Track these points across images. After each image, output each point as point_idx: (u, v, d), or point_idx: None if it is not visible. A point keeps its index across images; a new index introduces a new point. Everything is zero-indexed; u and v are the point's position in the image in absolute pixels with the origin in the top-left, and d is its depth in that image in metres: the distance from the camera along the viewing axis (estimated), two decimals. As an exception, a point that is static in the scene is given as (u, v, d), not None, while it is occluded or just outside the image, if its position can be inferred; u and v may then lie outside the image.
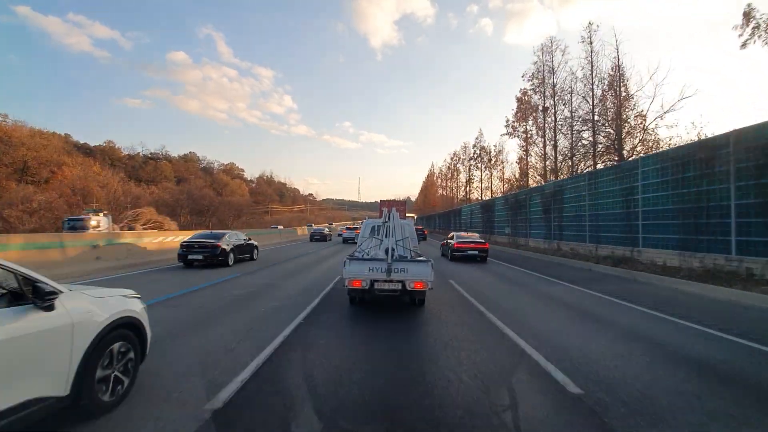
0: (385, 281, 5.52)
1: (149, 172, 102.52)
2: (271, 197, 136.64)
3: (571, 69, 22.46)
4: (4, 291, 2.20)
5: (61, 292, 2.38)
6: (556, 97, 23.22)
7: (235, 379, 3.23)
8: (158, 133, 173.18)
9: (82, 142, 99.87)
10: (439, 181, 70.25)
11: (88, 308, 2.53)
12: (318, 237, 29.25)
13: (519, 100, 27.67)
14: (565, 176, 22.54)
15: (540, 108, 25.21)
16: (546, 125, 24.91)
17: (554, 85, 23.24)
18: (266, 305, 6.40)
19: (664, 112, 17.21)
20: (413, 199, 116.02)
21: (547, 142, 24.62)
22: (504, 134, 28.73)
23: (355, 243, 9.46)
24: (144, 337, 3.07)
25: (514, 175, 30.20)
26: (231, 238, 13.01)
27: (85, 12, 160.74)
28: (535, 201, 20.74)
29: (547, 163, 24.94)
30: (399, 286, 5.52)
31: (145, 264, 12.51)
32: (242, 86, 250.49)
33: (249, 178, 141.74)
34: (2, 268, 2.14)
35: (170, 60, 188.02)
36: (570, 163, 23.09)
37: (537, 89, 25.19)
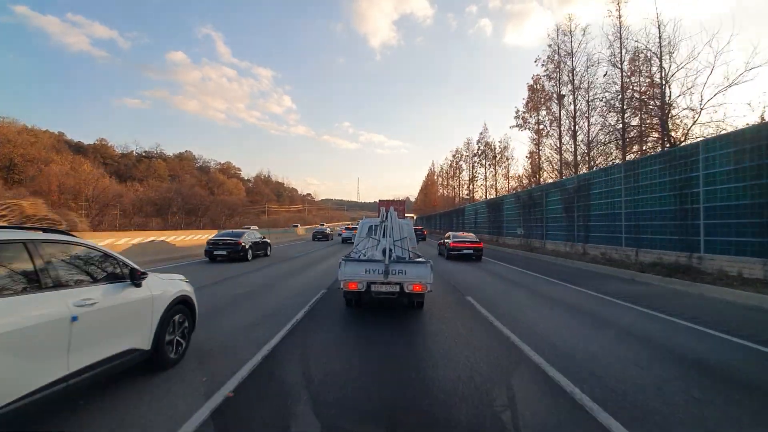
0: (383, 283, 5.35)
1: (142, 171, 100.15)
2: (268, 197, 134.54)
3: (590, 53, 20.19)
4: (107, 272, 3.04)
5: (147, 274, 3.34)
6: (575, 82, 20.79)
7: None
8: (157, 134, 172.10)
9: (76, 140, 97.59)
10: (440, 179, 67.92)
11: (161, 287, 3.52)
12: (320, 237, 31.08)
13: (531, 88, 25.30)
14: (586, 170, 20.14)
15: (555, 95, 22.81)
16: (562, 114, 22.55)
17: (573, 69, 20.84)
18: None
19: (729, 85, 13.78)
20: (412, 199, 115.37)
21: (564, 133, 22.25)
22: (513, 126, 26.38)
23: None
24: (194, 311, 4.02)
25: (526, 170, 27.78)
26: (249, 237, 14.35)
27: (83, 12, 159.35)
28: (554, 198, 18.33)
29: (565, 155, 22.56)
30: (397, 289, 5.36)
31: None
32: (241, 86, 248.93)
33: (246, 178, 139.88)
34: (108, 255, 3.12)
35: (169, 60, 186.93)
36: (589, 156, 20.70)
37: (552, 75, 22.81)
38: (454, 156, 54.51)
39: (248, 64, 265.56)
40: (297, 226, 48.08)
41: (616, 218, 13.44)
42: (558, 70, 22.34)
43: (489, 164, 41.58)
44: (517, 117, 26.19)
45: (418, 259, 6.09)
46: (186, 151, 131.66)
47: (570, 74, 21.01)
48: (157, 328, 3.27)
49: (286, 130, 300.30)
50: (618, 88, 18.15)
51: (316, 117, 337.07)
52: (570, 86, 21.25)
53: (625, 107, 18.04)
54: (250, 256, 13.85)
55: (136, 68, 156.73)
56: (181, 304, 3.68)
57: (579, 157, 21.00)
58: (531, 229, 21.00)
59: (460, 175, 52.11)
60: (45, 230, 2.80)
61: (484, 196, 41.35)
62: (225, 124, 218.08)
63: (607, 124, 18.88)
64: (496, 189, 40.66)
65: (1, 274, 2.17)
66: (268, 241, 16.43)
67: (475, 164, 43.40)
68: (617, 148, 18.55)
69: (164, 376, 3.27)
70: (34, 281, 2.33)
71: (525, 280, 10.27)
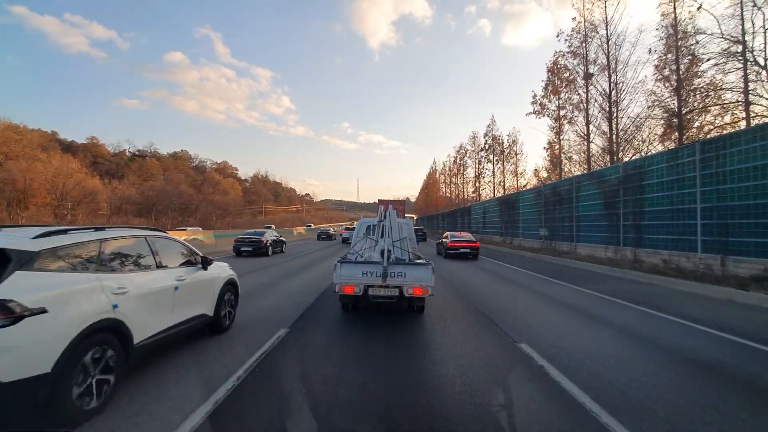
0: (381, 286, 5.10)
1: (134, 170, 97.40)
2: (266, 197, 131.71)
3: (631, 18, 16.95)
4: (187, 259, 4.25)
5: (212, 261, 4.70)
6: (611, 55, 17.55)
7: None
8: (157, 135, 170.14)
9: (70, 139, 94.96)
10: (443, 178, 64.65)
11: (218, 271, 4.80)
12: (324, 236, 34.00)
13: (550, 69, 22.10)
14: (622, 159, 16.94)
15: (581, 74, 19.64)
16: (591, 96, 19.36)
17: (608, 39, 17.61)
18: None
19: None
20: (412, 199, 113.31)
21: (599, 117, 19.01)
22: (530, 113, 23.21)
23: None
24: (238, 291, 5.30)
25: (546, 162, 24.52)
26: (269, 236, 16.78)
27: (81, 12, 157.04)
28: (588, 192, 15.14)
29: (595, 142, 19.36)
30: (396, 292, 5.09)
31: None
32: (240, 87, 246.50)
33: (243, 178, 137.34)
34: (187, 247, 4.41)
35: (168, 60, 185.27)
36: (621, 143, 17.52)
37: (577, 51, 19.63)
38: (458, 152, 51.33)
39: (247, 64, 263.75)
40: (271, 227, 45.45)
41: (685, 215, 10.25)
42: (585, 44, 19.17)
43: (497, 160, 38.40)
44: (534, 102, 23.05)
45: (418, 261, 5.79)
46: (182, 150, 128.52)
47: (604, 46, 17.79)
48: (216, 300, 4.60)
49: (285, 131, 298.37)
50: (672, 56, 14.95)
51: (315, 117, 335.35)
52: (604, 59, 18.01)
53: (682, 75, 14.80)
54: (270, 252, 16.31)
55: (134, 69, 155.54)
56: (230, 285, 5.04)
57: (615, 144, 17.77)
58: (556, 230, 17.80)
59: (465, 173, 48.96)
60: (151, 229, 4.17)
61: (492, 194, 38.26)
62: (224, 124, 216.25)
63: (653, 102, 15.66)
64: (504, 186, 37.56)
65: (136, 257, 3.45)
66: (284, 239, 19.12)
67: (482, 160, 40.24)
68: (668, 128, 15.34)
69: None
70: (151, 262, 3.61)
71: (575, 300, 7.08)
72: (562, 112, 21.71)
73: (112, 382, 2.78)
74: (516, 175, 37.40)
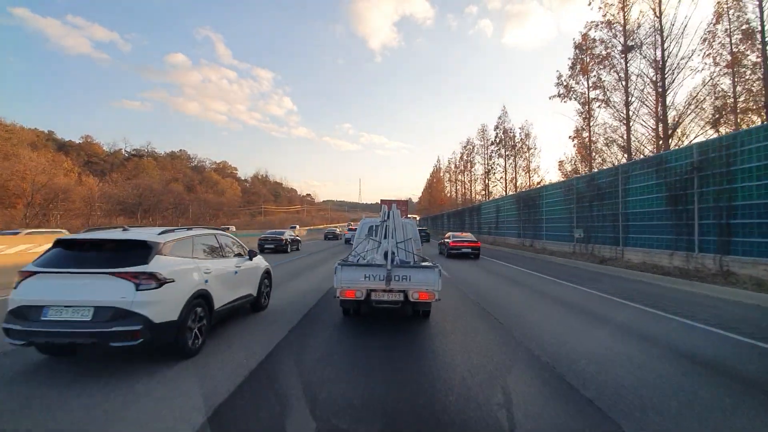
0: (384, 291, 4.83)
1: (130, 170, 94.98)
2: (265, 197, 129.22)
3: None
4: (237, 251, 5.40)
5: (257, 253, 5.90)
6: (662, 22, 14.44)
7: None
8: (157, 136, 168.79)
9: (66, 139, 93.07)
10: (448, 176, 61.51)
11: (259, 262, 5.99)
12: (331, 236, 37.24)
13: (578, 46, 19.09)
14: (675, 146, 13.90)
15: (619, 48, 16.60)
16: (629, 73, 16.31)
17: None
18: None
19: None
20: (415, 200, 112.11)
21: (638, 96, 15.98)
22: (554, 96, 20.20)
23: None
24: (271, 279, 6.55)
25: (574, 150, 21.40)
26: (288, 235, 20.40)
27: (83, 14, 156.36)
28: (642, 184, 12.12)
29: (639, 126, 16.31)
30: (400, 297, 4.82)
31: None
32: (241, 88, 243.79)
33: (243, 178, 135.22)
34: (237, 242, 5.64)
35: (169, 62, 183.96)
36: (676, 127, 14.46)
37: (613, 20, 16.59)
38: (465, 147, 48.12)
39: (248, 65, 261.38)
40: (295, 227, 48.72)
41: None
42: (623, 10, 16.13)
43: (509, 155, 35.32)
44: (558, 84, 20.03)
45: (424, 263, 5.53)
46: (180, 150, 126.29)
47: (655, 9, 14.68)
48: (259, 285, 5.86)
49: (287, 132, 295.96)
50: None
51: (317, 118, 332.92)
52: (649, 28, 14.95)
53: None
54: (288, 249, 19.22)
55: (136, 70, 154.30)
56: (266, 273, 6.24)
57: (667, 127, 14.70)
58: (593, 231, 14.77)
59: (473, 170, 45.83)
60: (216, 228, 5.55)
61: (504, 192, 35.25)
62: (226, 126, 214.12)
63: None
64: (515, 184, 34.51)
65: (212, 248, 4.70)
66: (299, 238, 22.55)
67: (493, 155, 37.12)
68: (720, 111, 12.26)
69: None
70: (220, 252, 4.88)
71: (676, 337, 4.08)
72: (592, 94, 18.67)
73: (204, 333, 4.09)
74: (528, 171, 34.38)
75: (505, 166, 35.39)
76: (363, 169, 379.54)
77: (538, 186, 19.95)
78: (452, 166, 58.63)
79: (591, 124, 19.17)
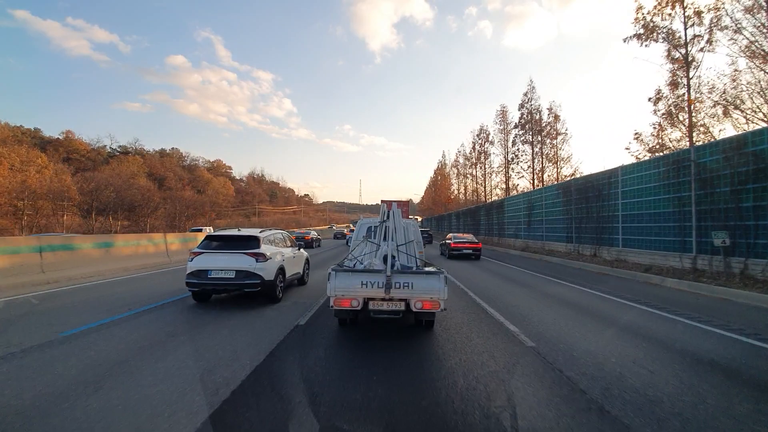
0: (384, 300, 4.31)
1: (113, 168, 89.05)
2: (261, 197, 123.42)
3: None
4: (292, 244, 8.69)
5: (302, 246, 11.58)
6: None
7: None
8: (158, 138, 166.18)
9: (50, 135, 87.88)
10: (455, 171, 55.08)
11: (303, 252, 9.30)
12: (340, 236, 43.18)
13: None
14: None
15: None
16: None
17: None
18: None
19: None
20: (416, 201, 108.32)
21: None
22: (630, 37, 14.10)
23: None
24: (309, 264, 9.67)
25: (660, 114, 14.94)
26: (313, 234, 27.70)
27: (84, 16, 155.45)
28: None
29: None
30: (401, 306, 4.33)
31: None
32: (242, 90, 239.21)
33: (238, 177, 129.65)
34: (291, 237, 9.08)
35: (169, 63, 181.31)
36: None
37: None
38: (477, 136, 41.80)
39: (248, 67, 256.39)
40: (309, 232, 49.73)
41: None
42: None
43: (537, 141, 29.13)
44: (636, 20, 13.90)
45: (427, 269, 4.93)
46: (172, 148, 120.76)
47: None
48: (303, 267, 8.78)
49: (287, 134, 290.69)
50: None
51: (317, 120, 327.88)
52: None
53: None
54: (314, 245, 25.96)
55: (136, 72, 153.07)
56: (307, 260, 9.25)
57: None
58: (735, 234, 8.58)
59: (487, 162, 39.62)
60: (283, 230, 9.18)
61: (531, 185, 29.16)
62: (226, 127, 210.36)
63: None
64: (542, 178, 28.39)
65: (279, 242, 7.80)
66: (320, 237, 30.97)
67: (516, 140, 30.88)
68: None
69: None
70: (286, 244, 8.14)
71: None
72: (698, 30, 12.51)
73: (282, 291, 7.20)
74: (556, 162, 28.25)
75: (532, 154, 29.27)
76: (363, 171, 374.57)
77: (604, 170, 13.84)
78: (460, 159, 52.41)
79: (691, 74, 12.99)
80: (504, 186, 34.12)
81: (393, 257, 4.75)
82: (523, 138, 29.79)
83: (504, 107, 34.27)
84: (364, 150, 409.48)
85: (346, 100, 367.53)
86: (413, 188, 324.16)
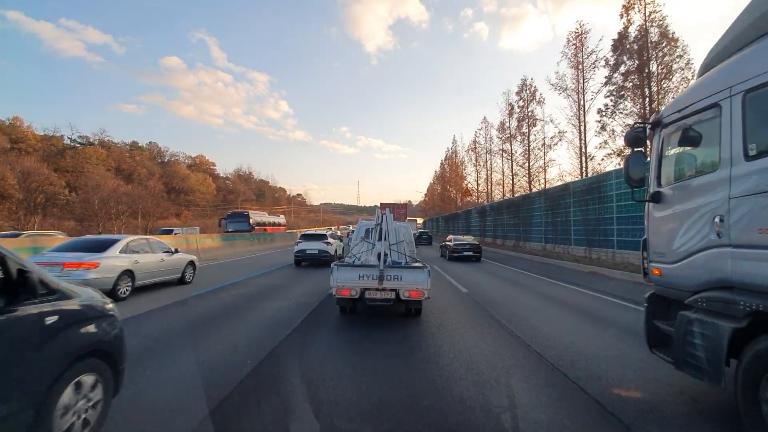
0: (377, 290, 5.22)
1: (67, 161, 76.99)
2: (246, 196, 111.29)
3: None
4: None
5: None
6: None
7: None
8: (153, 139, 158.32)
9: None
10: (475, 155, 43.15)
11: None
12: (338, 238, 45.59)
13: None
14: None
15: None
16: None
17: None
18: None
19: None
20: (415, 203, 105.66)
21: None
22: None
23: None
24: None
25: None
26: (329, 234, 21.54)
27: (77, 17, 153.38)
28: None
29: None
30: (392, 296, 5.25)
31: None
32: (237, 91, 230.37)
33: (223, 175, 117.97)
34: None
35: (164, 65, 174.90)
36: None
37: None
38: (518, 94, 28.84)
39: (243, 68, 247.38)
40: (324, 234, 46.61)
41: None
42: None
43: (644, 78, 17.10)
44: None
45: (415, 264, 5.87)
46: (150, 142, 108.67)
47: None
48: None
49: (284, 135, 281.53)
50: None
51: (314, 122, 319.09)
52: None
53: None
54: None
55: (131, 73, 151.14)
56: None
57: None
58: None
59: (532, 131, 27.57)
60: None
61: (583, 171, 17.66)
62: (222, 129, 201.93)
63: None
64: (584, 165, 16.53)
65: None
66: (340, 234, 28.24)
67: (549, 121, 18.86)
68: None
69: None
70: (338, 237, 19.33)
71: None
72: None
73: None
74: (583, 153, 16.40)
75: (579, 133, 17.43)
76: (361, 173, 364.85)
77: None
78: (481, 140, 40.47)
79: None
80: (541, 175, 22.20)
81: (386, 254, 5.67)
82: (630, 79, 17.40)
83: (525, 80, 22.48)
84: (361, 152, 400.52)
85: (342, 102, 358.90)
86: (412, 189, 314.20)
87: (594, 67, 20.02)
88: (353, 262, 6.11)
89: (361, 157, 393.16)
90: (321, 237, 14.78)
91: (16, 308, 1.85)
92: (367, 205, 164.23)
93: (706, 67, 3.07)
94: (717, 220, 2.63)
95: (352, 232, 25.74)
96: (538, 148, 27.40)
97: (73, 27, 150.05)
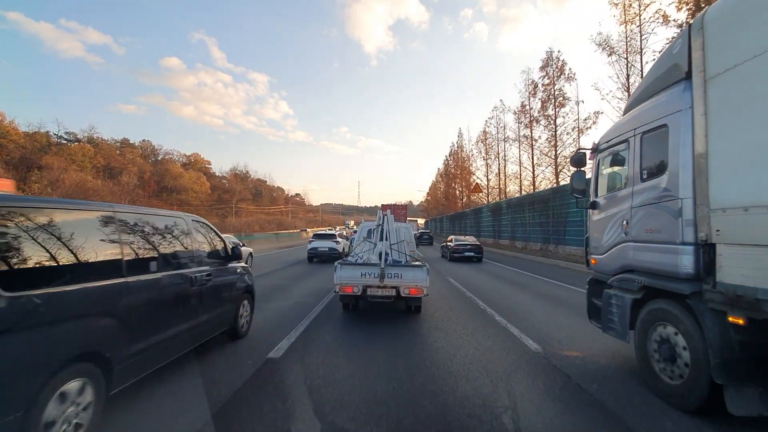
0: (378, 287, 5.46)
1: (50, 157, 72.39)
2: (242, 195, 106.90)
3: None
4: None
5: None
6: None
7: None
8: (156, 139, 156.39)
9: None
10: (485, 147, 37.91)
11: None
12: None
13: None
14: None
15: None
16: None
17: None
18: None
19: None
20: (415, 203, 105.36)
21: None
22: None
23: None
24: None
25: None
26: (337, 232, 23.88)
27: (77, 17, 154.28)
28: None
29: None
30: (393, 293, 5.46)
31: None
32: (237, 92, 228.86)
33: (219, 174, 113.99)
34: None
35: (163, 65, 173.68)
36: None
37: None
38: (543, 69, 24.08)
39: (243, 69, 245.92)
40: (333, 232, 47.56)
41: None
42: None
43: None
44: None
45: (414, 263, 6.09)
46: (143, 140, 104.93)
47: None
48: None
49: (284, 136, 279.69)
50: None
51: (314, 123, 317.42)
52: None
53: None
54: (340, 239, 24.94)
55: (131, 74, 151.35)
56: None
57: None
58: None
59: (560, 113, 22.78)
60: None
61: None
62: (222, 130, 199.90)
63: None
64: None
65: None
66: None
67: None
68: None
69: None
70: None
71: None
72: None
73: None
74: None
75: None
76: (362, 173, 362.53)
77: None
78: (492, 129, 35.66)
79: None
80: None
81: (386, 253, 5.96)
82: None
83: (549, 51, 18.30)
84: (362, 153, 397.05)
85: (342, 103, 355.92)
86: (412, 188, 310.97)
87: (654, 21, 15.16)
88: (356, 261, 6.48)
89: (362, 157, 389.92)
90: (331, 236, 17.02)
91: (229, 263, 4.61)
92: (368, 206, 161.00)
93: (626, 110, 4.25)
94: (624, 222, 3.79)
95: (354, 231, 22.56)
96: (567, 133, 22.64)
97: (73, 27, 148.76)
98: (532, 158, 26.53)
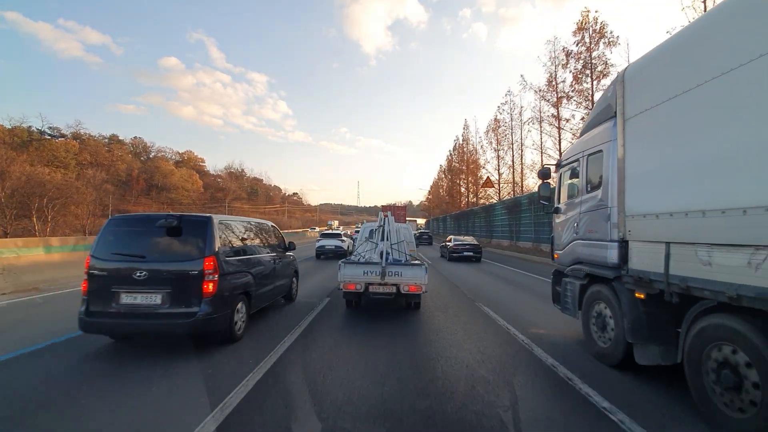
0: (380, 284, 5.77)
1: (30, 153, 70.22)
2: (237, 194, 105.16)
3: None
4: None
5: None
6: None
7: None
8: (156, 139, 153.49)
9: None
10: (496, 138, 33.71)
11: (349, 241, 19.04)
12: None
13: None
14: None
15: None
16: None
17: None
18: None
19: None
20: (415, 203, 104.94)
21: None
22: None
23: None
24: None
25: None
26: (343, 232, 24.38)
27: (76, 17, 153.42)
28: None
29: None
30: (393, 290, 5.76)
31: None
32: (236, 92, 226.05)
33: (213, 172, 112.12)
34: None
35: (162, 65, 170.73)
36: None
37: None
38: (576, 33, 19.57)
39: (242, 69, 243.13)
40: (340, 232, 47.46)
41: None
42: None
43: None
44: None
45: (414, 262, 6.39)
46: (134, 137, 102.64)
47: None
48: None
49: (284, 136, 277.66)
50: None
51: (313, 123, 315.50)
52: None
53: None
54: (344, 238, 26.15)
55: (129, 74, 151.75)
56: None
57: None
58: None
59: (599, 86, 18.85)
60: None
61: None
62: (222, 130, 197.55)
63: None
64: None
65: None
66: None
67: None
68: None
69: None
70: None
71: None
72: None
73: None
74: None
75: None
76: (360, 174, 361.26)
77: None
78: (505, 116, 31.03)
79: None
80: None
81: (387, 253, 6.26)
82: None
83: (580, 20, 17.73)
84: (361, 153, 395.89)
85: (341, 103, 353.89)
86: (413, 188, 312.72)
87: None
88: (358, 260, 6.72)
89: (361, 157, 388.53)
90: (337, 236, 18.71)
91: (285, 253, 6.95)
92: (367, 206, 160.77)
93: (581, 134, 5.26)
94: (576, 225, 4.77)
95: (357, 232, 22.84)
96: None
97: (71, 27, 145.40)
98: (560, 142, 22.40)
